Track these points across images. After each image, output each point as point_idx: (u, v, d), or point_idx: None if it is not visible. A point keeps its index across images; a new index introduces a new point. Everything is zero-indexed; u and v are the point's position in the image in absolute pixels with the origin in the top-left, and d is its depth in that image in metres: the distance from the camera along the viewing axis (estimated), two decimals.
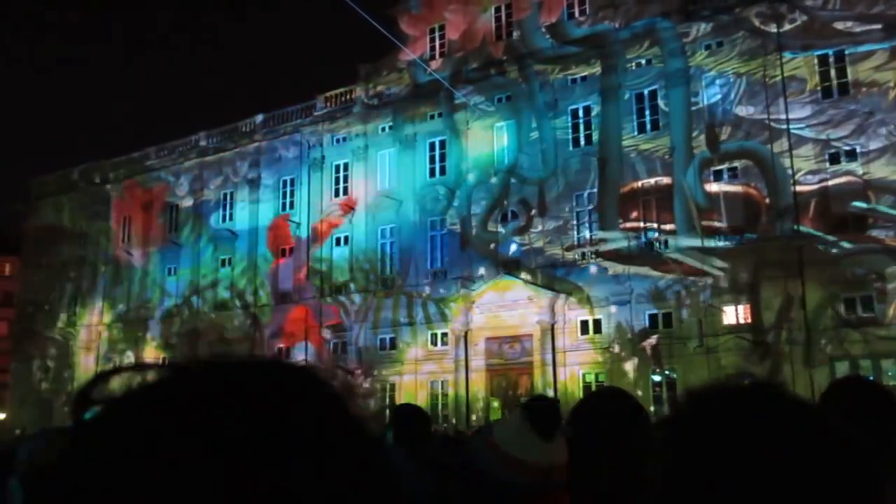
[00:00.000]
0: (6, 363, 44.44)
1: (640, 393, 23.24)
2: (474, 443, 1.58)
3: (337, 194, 32.49)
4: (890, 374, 21.25)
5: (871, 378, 20.69)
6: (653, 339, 24.65)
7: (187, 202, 36.98)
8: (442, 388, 28.20)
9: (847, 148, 23.13)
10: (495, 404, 26.79)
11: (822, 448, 0.71)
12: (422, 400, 27.04)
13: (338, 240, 32.15)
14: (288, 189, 34.04)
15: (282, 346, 32.13)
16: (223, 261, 35.24)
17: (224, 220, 35.67)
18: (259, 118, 35.34)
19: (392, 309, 29.67)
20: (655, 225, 25.42)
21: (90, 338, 38.84)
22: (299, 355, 30.39)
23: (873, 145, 22.72)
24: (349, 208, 31.76)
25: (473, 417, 26.40)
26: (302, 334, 31.42)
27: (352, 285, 31.08)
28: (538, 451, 1.51)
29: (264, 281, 33.63)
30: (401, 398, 27.20)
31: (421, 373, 28.56)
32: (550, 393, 25.09)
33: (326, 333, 30.86)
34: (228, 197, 35.80)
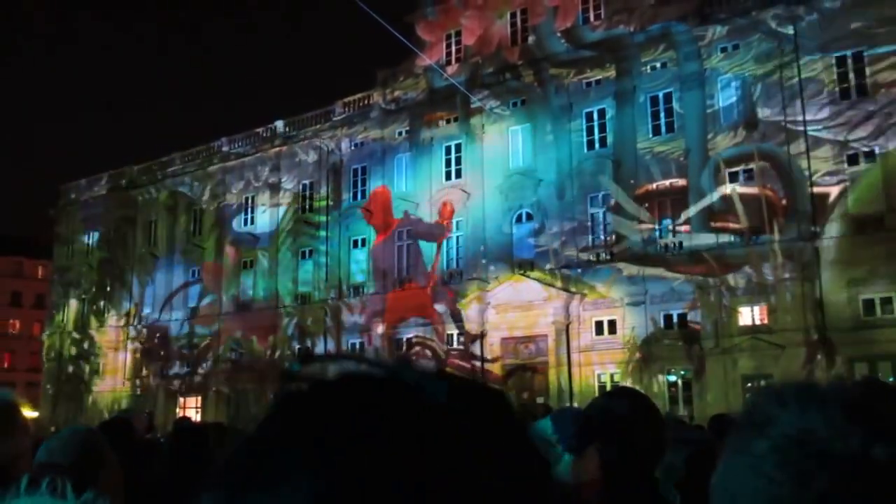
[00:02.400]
0: (39, 363, 45.68)
1: (652, 393, 23.28)
2: None
3: (355, 197, 33.01)
4: None
5: (891, 380, 20.53)
6: (667, 340, 24.64)
7: (210, 206, 37.81)
8: None
9: (866, 149, 22.99)
10: None
11: None
12: None
13: (355, 242, 32.65)
14: (308, 192, 34.65)
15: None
16: (245, 262, 35.97)
17: (246, 223, 36.41)
18: (279, 124, 36.03)
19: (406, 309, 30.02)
20: (670, 224, 25.45)
21: (118, 339, 39.76)
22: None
23: (892, 146, 22.56)
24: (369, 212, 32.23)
25: None
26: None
27: (368, 286, 31.54)
28: (565, 469, 1.39)
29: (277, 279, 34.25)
30: None
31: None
32: (566, 392, 25.23)
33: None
34: (250, 201, 36.53)
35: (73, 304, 42.66)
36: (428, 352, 28.91)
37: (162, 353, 37.58)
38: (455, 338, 28.95)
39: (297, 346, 32.94)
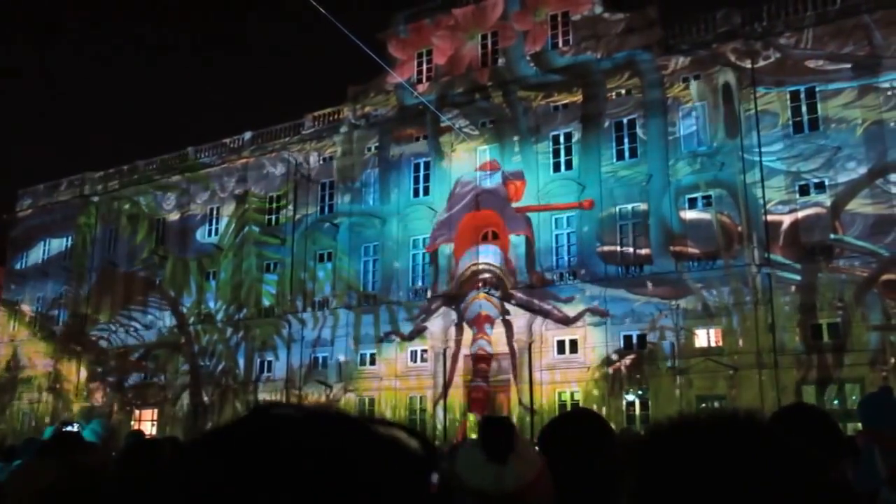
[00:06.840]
0: None
1: (611, 412, 23.75)
2: (442, 466, 1.46)
3: (322, 211, 32.95)
4: (854, 398, 21.87)
5: (836, 403, 21.35)
6: (627, 360, 25.19)
7: (174, 216, 37.24)
8: (420, 404, 28.52)
9: (816, 180, 24.03)
10: (471, 419, 27.11)
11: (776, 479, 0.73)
12: (400, 416, 27.39)
13: (321, 256, 32.54)
14: (274, 205, 34.44)
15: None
16: (207, 274, 35.45)
17: (210, 234, 35.95)
18: (247, 135, 35.81)
19: (373, 325, 30.02)
20: (631, 249, 26.12)
21: (73, 349, 38.66)
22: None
23: (841, 178, 23.62)
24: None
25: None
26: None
27: (332, 300, 31.42)
28: (489, 477, 1.38)
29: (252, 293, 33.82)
30: (381, 413, 27.48)
31: (400, 388, 28.88)
32: (527, 411, 25.51)
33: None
34: (215, 212, 36.11)
35: (26, 311, 41.39)
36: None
37: (116, 364, 36.70)
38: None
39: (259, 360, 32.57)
